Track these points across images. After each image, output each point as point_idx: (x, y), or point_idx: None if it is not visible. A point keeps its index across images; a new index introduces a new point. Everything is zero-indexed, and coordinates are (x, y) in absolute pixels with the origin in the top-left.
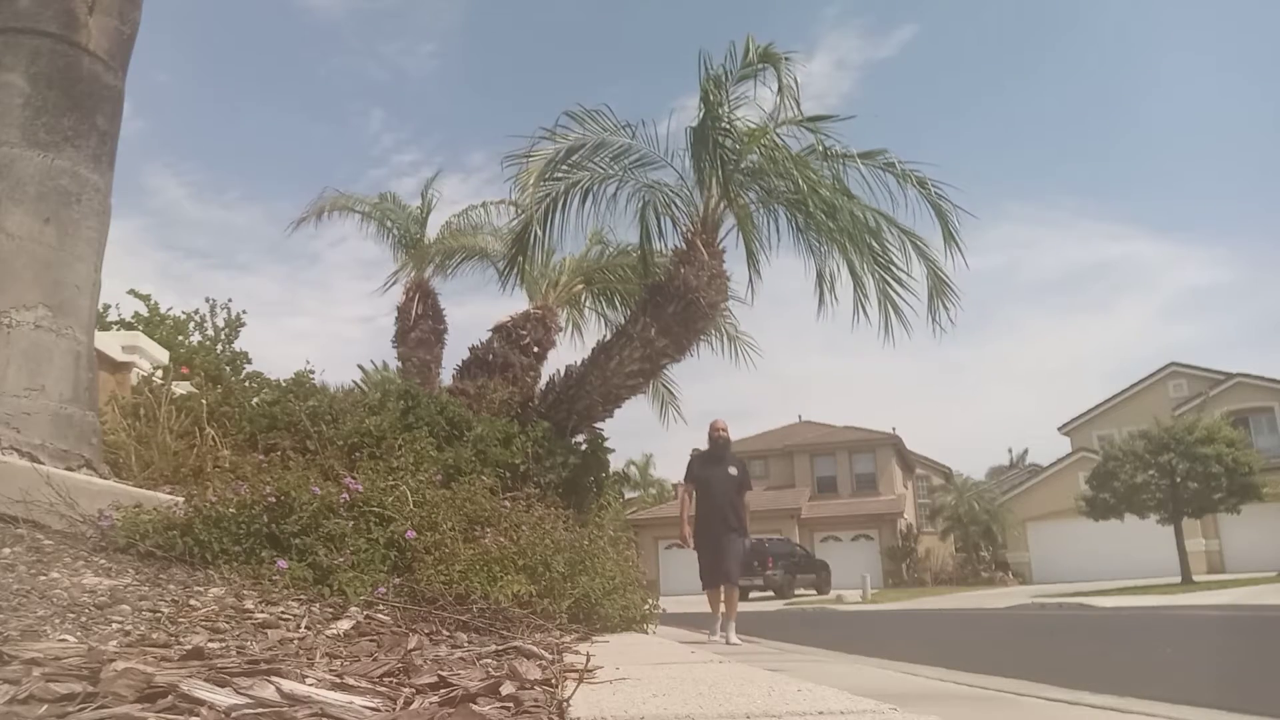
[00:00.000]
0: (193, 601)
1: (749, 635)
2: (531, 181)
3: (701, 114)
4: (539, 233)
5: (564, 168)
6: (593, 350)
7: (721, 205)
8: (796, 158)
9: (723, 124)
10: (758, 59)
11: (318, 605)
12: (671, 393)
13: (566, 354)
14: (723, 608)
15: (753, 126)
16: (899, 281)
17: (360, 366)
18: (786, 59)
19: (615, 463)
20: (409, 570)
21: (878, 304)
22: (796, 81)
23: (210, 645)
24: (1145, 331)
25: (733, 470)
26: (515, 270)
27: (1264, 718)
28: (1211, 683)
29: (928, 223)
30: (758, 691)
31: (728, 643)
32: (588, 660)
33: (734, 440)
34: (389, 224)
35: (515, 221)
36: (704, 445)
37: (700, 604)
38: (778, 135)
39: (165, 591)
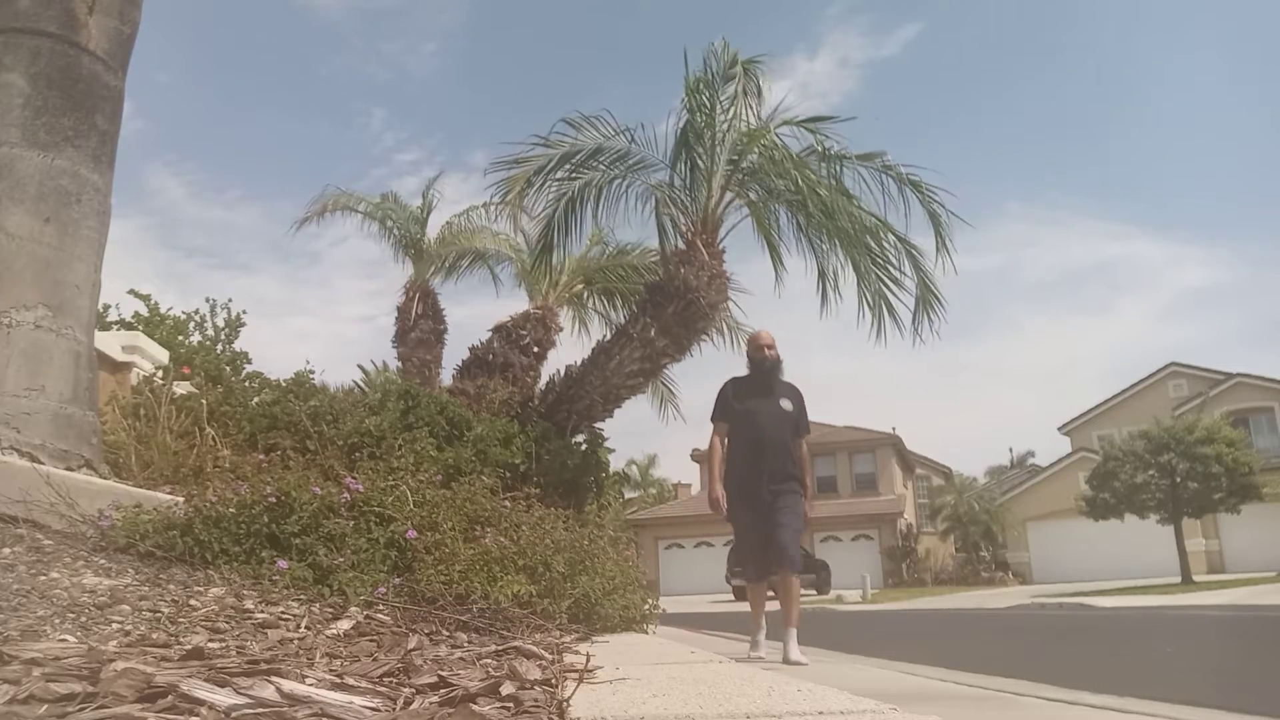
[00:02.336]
0: (193, 601)
1: (749, 635)
2: (517, 190)
3: (685, 117)
4: (559, 235)
5: (559, 175)
6: (592, 350)
7: (722, 206)
8: (796, 158)
9: (716, 126)
10: (728, 65)
11: (318, 605)
12: (671, 390)
13: (567, 354)
14: (767, 605)
15: (752, 126)
16: (895, 281)
17: (360, 366)
18: (755, 63)
19: (615, 463)
20: (409, 570)
21: (872, 304)
22: (760, 89)
23: (210, 645)
24: (1145, 331)
25: (786, 404)
26: (544, 269)
27: (1264, 718)
28: (1211, 683)
29: (922, 228)
30: (758, 691)
31: (788, 660)
32: (588, 660)
33: None
34: (389, 224)
35: (538, 219)
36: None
37: (702, 604)
38: (777, 135)
39: (165, 591)
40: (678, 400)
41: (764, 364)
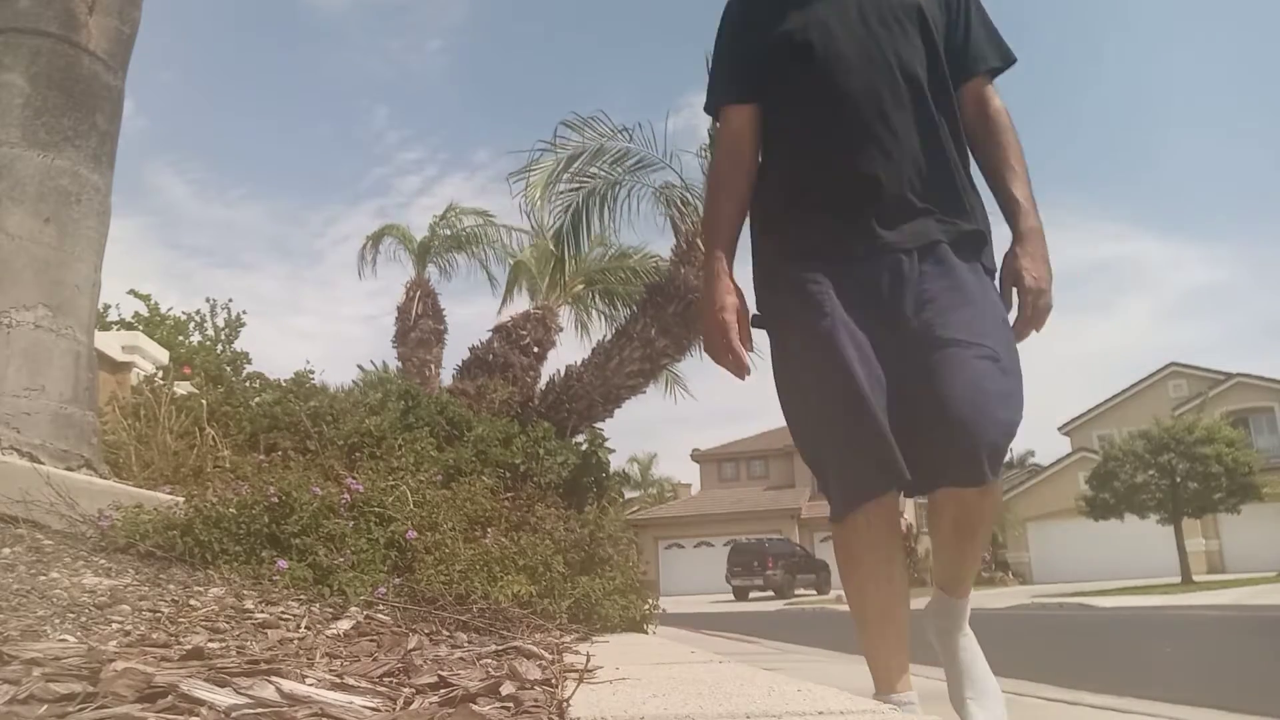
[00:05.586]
0: (193, 601)
1: (749, 635)
2: (539, 195)
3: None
4: (568, 243)
5: (567, 175)
6: (593, 350)
7: None
8: None
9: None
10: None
11: (318, 605)
12: (676, 375)
13: (568, 354)
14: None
15: None
16: None
17: (360, 366)
18: None
19: (615, 462)
20: (409, 570)
21: None
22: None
23: (210, 645)
24: (1145, 331)
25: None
26: (560, 275)
27: (1264, 718)
28: (1212, 683)
29: None
30: (758, 691)
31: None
32: (588, 660)
33: (730, 442)
34: (399, 240)
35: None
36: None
37: (702, 604)
38: None
39: (165, 591)
40: (684, 381)
41: None
